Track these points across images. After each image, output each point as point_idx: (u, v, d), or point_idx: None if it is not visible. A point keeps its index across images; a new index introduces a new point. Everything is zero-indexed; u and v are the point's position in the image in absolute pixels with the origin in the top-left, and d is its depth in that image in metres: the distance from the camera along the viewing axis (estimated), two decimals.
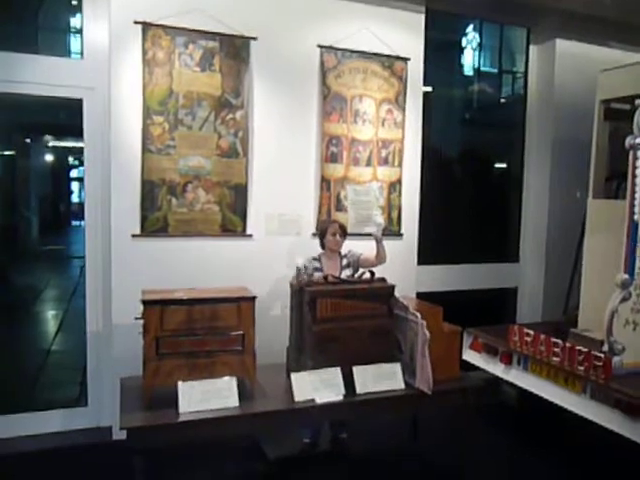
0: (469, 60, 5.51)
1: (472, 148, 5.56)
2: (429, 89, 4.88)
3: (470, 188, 5.49)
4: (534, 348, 3.52)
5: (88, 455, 3.52)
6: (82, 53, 3.70)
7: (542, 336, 3.47)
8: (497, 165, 5.75)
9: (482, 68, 5.58)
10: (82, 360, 3.95)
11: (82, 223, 3.89)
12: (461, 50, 5.45)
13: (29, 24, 3.89)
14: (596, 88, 3.91)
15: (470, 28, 5.50)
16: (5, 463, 3.34)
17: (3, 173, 4.69)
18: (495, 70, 5.58)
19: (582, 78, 4.70)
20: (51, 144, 5.64)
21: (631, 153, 3.24)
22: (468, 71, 5.54)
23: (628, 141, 3.21)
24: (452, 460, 3.24)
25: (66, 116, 4.16)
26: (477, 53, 5.48)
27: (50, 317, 6.43)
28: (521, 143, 5.36)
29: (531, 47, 5.27)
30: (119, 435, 3.15)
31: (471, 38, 5.50)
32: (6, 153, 4.76)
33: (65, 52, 3.95)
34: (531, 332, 3.57)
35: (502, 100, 5.66)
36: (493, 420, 4.19)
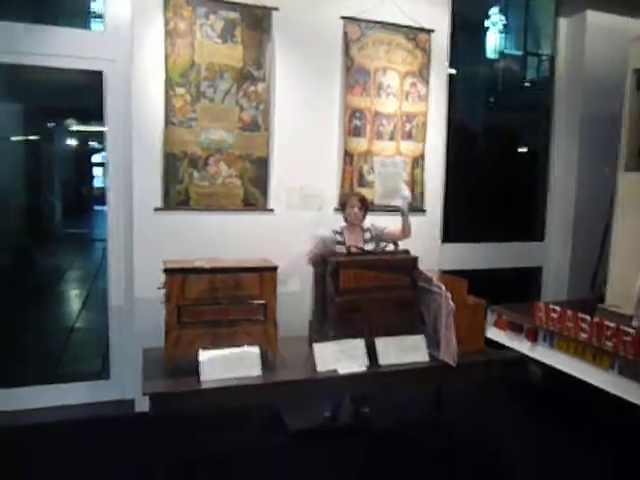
0: (493, 42, 5.38)
1: (497, 129, 5.46)
2: (453, 71, 4.79)
3: (496, 167, 5.38)
4: (561, 324, 3.45)
5: (110, 427, 3.55)
6: (104, 25, 3.67)
7: (569, 312, 3.40)
8: (523, 145, 5.62)
9: (507, 50, 5.44)
10: (105, 335, 3.99)
11: (105, 208, 3.90)
12: (485, 32, 5.32)
13: None
14: (628, 57, 3.77)
15: (495, 10, 5.36)
16: (29, 432, 3.40)
17: (27, 158, 4.73)
18: (520, 53, 5.43)
19: (614, 51, 4.54)
20: (74, 128, 5.65)
21: None
22: (492, 54, 5.41)
23: None
24: (476, 435, 3.19)
25: (89, 100, 4.15)
26: (502, 35, 5.35)
27: (74, 296, 6.51)
28: (547, 121, 5.23)
29: (560, 20, 5.11)
30: (142, 407, 3.18)
31: (496, 20, 5.37)
32: (30, 138, 4.78)
33: (87, 25, 3.93)
34: (557, 308, 3.50)
35: (527, 83, 5.53)
36: (518, 397, 4.14)
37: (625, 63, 3.85)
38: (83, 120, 5.41)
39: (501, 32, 5.34)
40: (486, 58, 5.38)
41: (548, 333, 3.60)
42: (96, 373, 4.08)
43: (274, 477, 3.05)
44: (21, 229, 4.65)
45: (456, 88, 4.89)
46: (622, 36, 4.11)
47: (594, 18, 4.81)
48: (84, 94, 4.24)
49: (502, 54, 5.37)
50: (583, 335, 3.29)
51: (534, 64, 5.50)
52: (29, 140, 4.78)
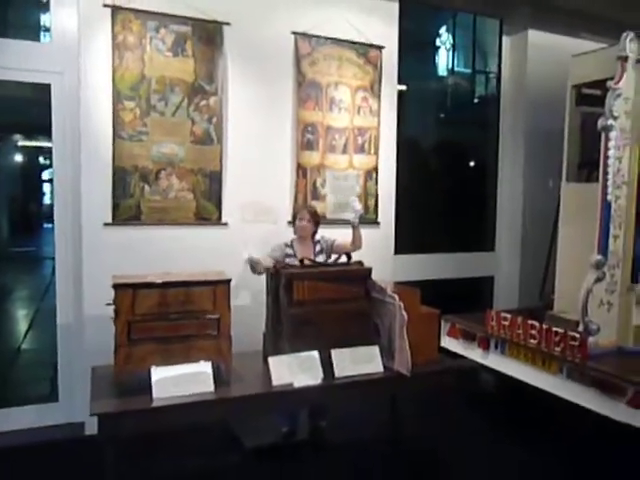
0: (443, 60, 5.56)
1: (447, 144, 5.61)
2: (404, 87, 4.91)
3: (446, 180, 5.52)
4: (511, 331, 3.54)
5: (60, 451, 3.41)
6: (50, 36, 3.59)
7: (519, 319, 3.49)
8: (473, 159, 5.79)
9: (456, 68, 5.62)
10: (53, 356, 3.84)
11: (54, 225, 3.78)
12: (435, 50, 5.49)
13: None
14: (568, 73, 3.96)
15: (443, 29, 5.54)
16: None
17: None
18: (469, 70, 5.63)
19: (554, 68, 4.75)
20: (20, 144, 5.47)
21: (603, 135, 3.28)
22: (442, 71, 5.58)
23: (600, 123, 3.25)
24: (431, 445, 3.22)
25: (38, 114, 4.03)
26: (450, 53, 5.52)
27: (21, 316, 6.26)
28: (495, 134, 5.41)
29: (504, 38, 5.33)
30: (91, 430, 3.06)
31: (444, 39, 5.54)
32: None
33: (35, 36, 3.83)
34: (508, 316, 3.59)
35: (475, 100, 5.71)
36: (472, 405, 4.20)
37: (565, 80, 4.03)
38: (32, 135, 5.24)
39: (449, 50, 5.52)
40: (436, 75, 5.55)
41: (500, 341, 3.68)
42: (44, 396, 3.92)
43: None
44: None
45: (407, 104, 5.01)
46: (562, 54, 4.31)
47: (535, 37, 5.03)
48: (32, 108, 4.12)
49: (451, 72, 5.55)
50: (533, 341, 3.38)
51: (482, 82, 5.70)
52: None
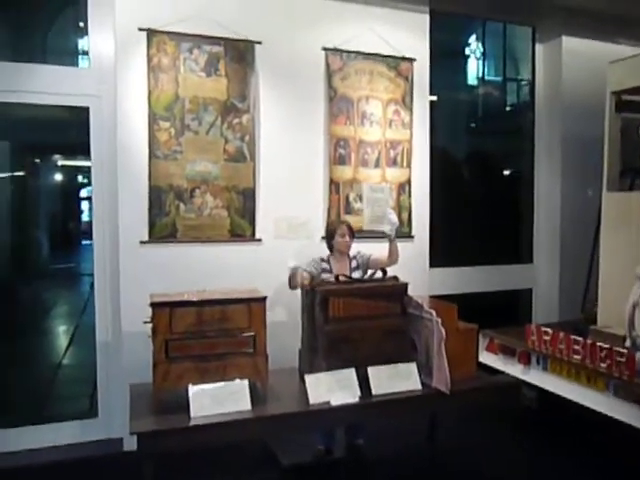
0: (473, 69, 5.50)
1: (480, 154, 5.53)
2: (434, 98, 4.88)
3: (481, 191, 5.42)
4: (553, 347, 3.42)
5: (98, 467, 3.45)
6: (89, 61, 3.69)
7: (561, 334, 3.38)
8: (507, 169, 5.69)
9: (487, 77, 5.56)
10: (93, 372, 3.90)
11: (93, 243, 3.87)
12: (465, 59, 5.43)
13: (36, 34, 3.91)
14: (605, 80, 3.85)
15: (473, 38, 5.49)
16: (15, 476, 3.28)
17: (14, 194, 4.71)
18: (499, 78, 5.55)
19: (590, 75, 4.66)
20: (60, 163, 5.64)
21: None
22: (473, 80, 5.52)
23: None
24: (472, 465, 3.13)
25: (76, 135, 4.16)
26: (481, 62, 5.46)
27: (61, 332, 6.41)
28: (530, 145, 5.30)
29: (537, 46, 5.23)
30: (130, 446, 3.09)
31: (474, 47, 5.49)
32: (17, 174, 4.78)
33: (73, 61, 3.96)
34: (549, 330, 3.48)
35: (508, 108, 5.62)
36: (513, 422, 4.08)
37: (601, 86, 3.93)
38: (70, 155, 5.41)
39: (479, 59, 5.45)
40: (467, 85, 5.48)
41: (541, 356, 3.57)
42: (84, 412, 3.98)
43: None
44: (6, 265, 4.59)
45: (438, 115, 4.96)
46: (597, 60, 4.22)
47: (569, 44, 4.92)
48: (71, 130, 4.25)
49: (482, 80, 5.48)
50: (576, 357, 3.27)
51: (514, 89, 5.60)
52: (15, 176, 4.76)
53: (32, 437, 3.66)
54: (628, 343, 3.14)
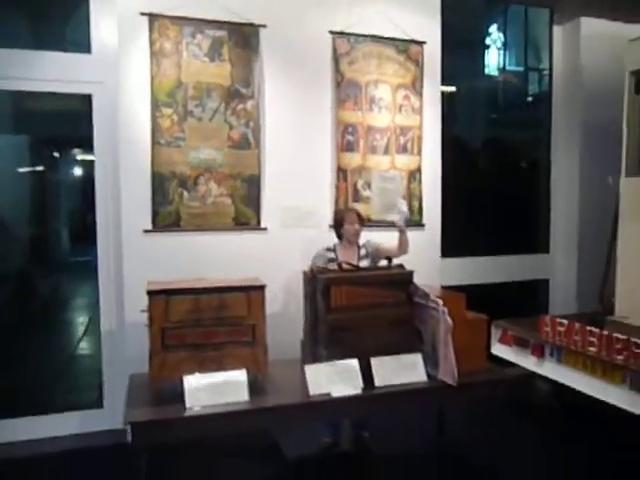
0: (494, 59, 5.35)
1: (499, 144, 5.40)
2: (453, 89, 4.76)
3: (498, 181, 5.29)
4: (568, 338, 3.29)
5: (102, 457, 3.43)
6: (90, 47, 3.64)
7: (577, 325, 3.24)
8: (526, 158, 5.53)
9: (508, 67, 5.40)
10: (100, 363, 3.89)
11: (96, 232, 3.85)
12: (486, 49, 5.29)
13: (37, 20, 3.87)
14: (624, 59, 3.68)
15: (494, 27, 5.34)
16: (19, 465, 3.28)
17: (33, 188, 4.72)
18: (521, 68, 5.38)
19: (609, 57, 4.48)
20: (79, 157, 5.65)
21: None
22: (493, 70, 5.37)
23: None
24: (481, 459, 3.02)
25: (91, 129, 4.12)
26: (502, 52, 5.31)
27: (77, 323, 6.46)
28: (548, 133, 5.13)
29: (555, 29, 5.05)
30: None
31: (495, 37, 5.34)
32: (37, 169, 4.79)
33: (75, 47, 3.91)
34: (564, 321, 3.35)
35: (529, 98, 5.46)
36: (526, 416, 3.96)
37: (621, 68, 3.76)
38: (89, 149, 5.43)
39: (500, 49, 5.30)
40: (488, 75, 5.34)
41: (555, 348, 3.44)
42: (91, 402, 3.97)
43: None
44: (27, 258, 4.62)
45: (458, 105, 4.85)
46: (616, 41, 4.03)
47: (588, 25, 4.74)
48: (88, 123, 4.23)
49: (503, 70, 5.32)
50: (592, 349, 3.13)
51: (535, 79, 5.44)
52: (35, 171, 4.77)
53: (37, 427, 3.66)
54: None
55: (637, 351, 2.86)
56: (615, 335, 3.01)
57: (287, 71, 3.85)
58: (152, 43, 3.50)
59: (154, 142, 3.52)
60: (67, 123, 4.28)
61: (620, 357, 2.95)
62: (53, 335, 5.71)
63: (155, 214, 3.57)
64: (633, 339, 2.91)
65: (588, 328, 3.17)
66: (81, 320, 6.60)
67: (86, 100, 3.67)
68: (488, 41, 5.31)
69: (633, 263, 3.52)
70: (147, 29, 3.49)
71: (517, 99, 5.45)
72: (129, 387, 2.70)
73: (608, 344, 3.02)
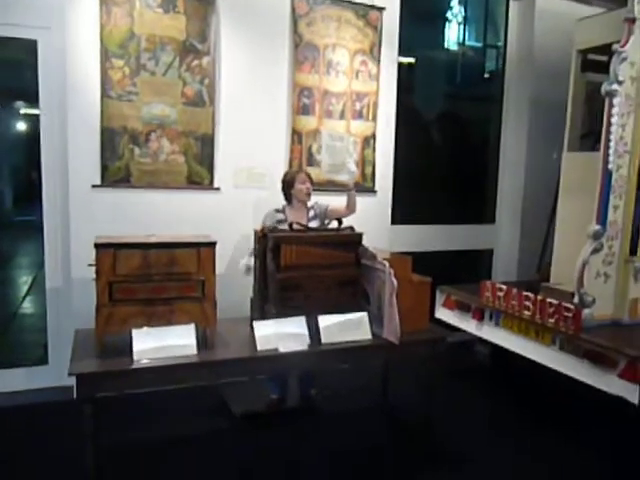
0: (454, 34, 5.38)
1: (453, 118, 5.47)
2: (412, 60, 4.78)
3: (449, 153, 5.40)
4: (506, 303, 3.47)
5: (47, 413, 3.41)
6: None
7: (514, 290, 3.42)
8: (478, 133, 5.64)
9: (467, 42, 5.45)
10: (45, 320, 3.82)
11: (41, 188, 3.71)
12: (446, 23, 5.31)
13: None
14: (573, 38, 3.81)
15: (455, 2, 5.35)
16: None
17: None
18: (480, 44, 5.44)
19: (561, 35, 4.56)
20: (23, 111, 5.37)
21: (606, 100, 3.15)
22: (453, 45, 5.41)
23: (604, 87, 3.12)
24: (423, 418, 3.17)
25: (37, 79, 3.93)
26: (462, 27, 5.34)
27: (20, 282, 6.28)
28: (499, 109, 5.25)
29: (511, 4, 5.14)
30: None
31: (456, 12, 5.35)
32: None
33: None
34: (503, 287, 3.52)
35: (486, 75, 5.54)
36: (465, 377, 4.17)
37: (571, 46, 3.88)
38: (34, 103, 5.17)
39: (460, 23, 5.34)
40: (447, 49, 5.38)
41: (494, 312, 3.62)
42: (36, 359, 3.91)
43: (219, 462, 2.96)
44: None
45: (414, 76, 4.88)
46: (569, 20, 4.14)
47: (543, 1, 4.84)
48: (34, 75, 4.03)
49: (462, 45, 5.37)
50: (527, 313, 3.32)
51: (493, 56, 5.52)
52: None
53: None
54: (576, 299, 3.19)
55: (567, 314, 3.05)
56: (548, 300, 3.19)
57: (244, 29, 3.78)
58: None
59: (104, 94, 3.42)
60: (8, 72, 4.08)
61: (551, 320, 3.14)
62: None
63: (104, 169, 3.49)
64: (564, 304, 3.10)
65: (524, 293, 3.35)
66: (25, 279, 6.42)
67: (31, 47, 3.51)
68: (449, 15, 5.33)
69: (569, 234, 3.71)
70: None
71: (474, 74, 5.53)
72: (75, 341, 2.67)
73: (541, 308, 3.21)
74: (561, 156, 4.03)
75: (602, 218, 3.18)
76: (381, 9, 4.17)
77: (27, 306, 5.25)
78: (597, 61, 3.77)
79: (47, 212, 3.68)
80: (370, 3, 4.11)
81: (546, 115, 4.89)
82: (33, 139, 3.80)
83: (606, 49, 3.31)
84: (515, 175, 5.15)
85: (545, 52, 4.89)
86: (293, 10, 3.88)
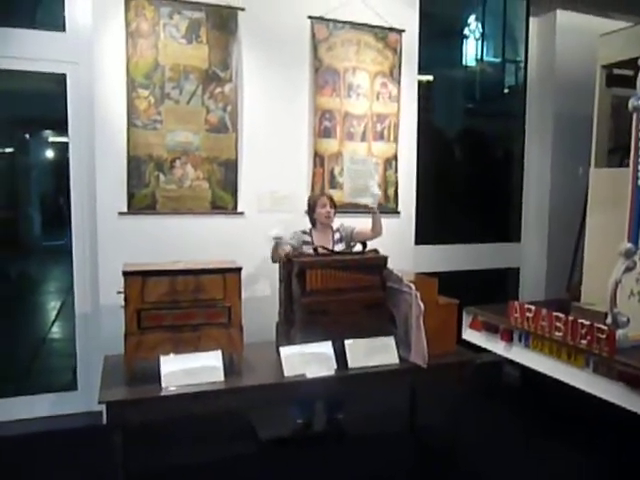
0: (472, 50, 5.39)
1: (475, 135, 5.46)
2: (430, 78, 4.79)
3: (472, 170, 5.37)
4: (535, 324, 3.40)
5: (76, 439, 3.43)
6: (64, 26, 3.57)
7: (544, 311, 3.35)
8: (500, 149, 5.62)
9: (486, 58, 5.46)
10: (74, 346, 3.87)
11: (71, 215, 3.80)
12: (464, 40, 5.33)
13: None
14: (596, 53, 3.77)
15: (472, 18, 5.38)
16: None
17: (3, 170, 4.62)
18: (498, 60, 5.45)
19: (583, 50, 4.55)
20: (51, 139, 5.53)
21: (634, 116, 3.10)
22: (471, 61, 5.42)
23: (631, 103, 3.07)
24: (452, 440, 3.11)
25: (66, 110, 4.05)
26: (480, 43, 5.36)
27: (49, 307, 6.39)
28: (522, 124, 5.22)
29: (531, 20, 5.13)
30: None
31: (473, 28, 5.38)
32: (6, 150, 4.69)
33: (50, 26, 3.83)
34: (532, 307, 3.45)
35: (505, 90, 5.53)
36: (495, 399, 4.08)
37: (594, 61, 3.85)
38: (61, 131, 5.33)
39: (478, 39, 5.35)
40: (465, 65, 5.39)
41: (523, 333, 3.55)
42: (65, 384, 3.95)
43: None
44: None
45: (435, 94, 4.89)
46: (591, 35, 4.12)
47: (564, 17, 4.82)
48: (61, 104, 4.16)
49: (481, 61, 5.38)
50: (558, 334, 3.24)
51: (512, 71, 5.51)
52: (5, 153, 4.67)
53: (9, 409, 3.64)
54: (609, 320, 3.11)
55: (600, 336, 2.97)
56: (580, 321, 3.11)
57: (265, 56, 3.84)
58: (128, 23, 3.45)
59: (130, 124, 3.49)
60: (40, 104, 4.20)
61: (584, 342, 3.06)
62: (25, 320, 5.64)
63: (131, 197, 3.55)
64: (597, 325, 3.02)
65: (555, 314, 3.27)
66: (54, 304, 6.52)
67: (60, 80, 3.62)
68: (466, 31, 5.35)
69: (599, 252, 3.63)
70: (123, 8, 3.44)
71: (494, 90, 5.52)
72: (104, 368, 2.71)
73: (573, 329, 3.13)
74: (587, 172, 3.98)
75: (634, 236, 3.10)
76: (401, 31, 4.20)
77: (56, 331, 5.33)
78: (623, 75, 3.72)
79: (76, 238, 3.76)
80: (389, 26, 4.14)
81: (570, 130, 4.84)
82: (61, 166, 3.90)
83: (631, 64, 3.27)
84: (540, 192, 5.09)
85: (567, 67, 4.86)
86: (313, 36, 3.93)
